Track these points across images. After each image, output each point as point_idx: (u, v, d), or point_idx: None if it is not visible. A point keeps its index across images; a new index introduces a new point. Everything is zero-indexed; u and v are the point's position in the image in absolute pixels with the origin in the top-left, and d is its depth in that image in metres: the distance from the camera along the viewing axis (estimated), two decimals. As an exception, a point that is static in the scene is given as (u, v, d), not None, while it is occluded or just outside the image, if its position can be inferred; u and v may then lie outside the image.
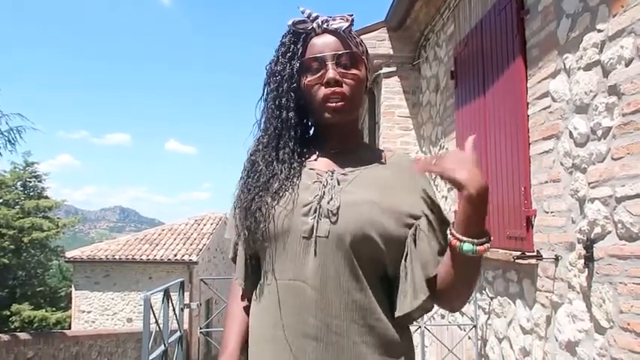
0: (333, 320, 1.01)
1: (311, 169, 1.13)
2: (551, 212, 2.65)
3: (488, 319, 3.54)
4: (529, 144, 2.91)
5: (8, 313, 15.67)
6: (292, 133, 1.12)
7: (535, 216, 2.82)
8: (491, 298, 3.47)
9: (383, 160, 1.15)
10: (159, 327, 2.99)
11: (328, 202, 1.05)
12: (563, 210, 2.53)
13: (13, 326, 14.83)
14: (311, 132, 1.22)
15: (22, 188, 19.00)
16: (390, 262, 1.06)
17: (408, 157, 1.20)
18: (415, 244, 1.04)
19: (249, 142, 1.18)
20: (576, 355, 2.41)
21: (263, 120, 1.15)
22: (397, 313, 1.04)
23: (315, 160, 1.15)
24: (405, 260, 1.04)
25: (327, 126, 1.14)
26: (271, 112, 1.13)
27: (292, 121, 1.12)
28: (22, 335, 8.21)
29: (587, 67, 2.34)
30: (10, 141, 10.28)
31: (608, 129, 2.18)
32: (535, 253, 2.73)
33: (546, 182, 2.71)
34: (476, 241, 0.94)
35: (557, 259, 2.57)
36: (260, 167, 1.12)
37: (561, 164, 2.57)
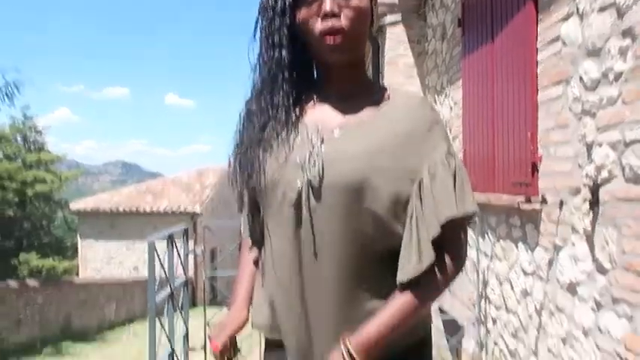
0: (323, 295, 0.98)
1: (303, 123, 1.04)
2: (558, 158, 2.66)
3: (490, 262, 3.63)
4: (537, 90, 2.88)
5: (16, 262, 15.99)
6: (286, 75, 1.02)
7: (541, 162, 2.83)
8: (494, 243, 3.55)
9: (385, 105, 1.04)
10: (164, 271, 3.06)
11: (312, 167, 0.97)
12: (570, 155, 2.55)
13: (21, 275, 15.17)
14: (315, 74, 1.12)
15: (22, 142, 18.94)
16: (398, 224, 0.97)
17: (412, 99, 1.07)
18: (421, 202, 0.95)
19: (248, 87, 1.09)
20: (577, 295, 2.49)
21: (257, 62, 1.06)
22: (400, 278, 0.95)
23: (313, 106, 1.06)
24: (410, 220, 0.95)
25: (327, 66, 1.04)
26: (264, 52, 1.03)
27: (286, 60, 1.01)
28: (31, 282, 8.45)
29: (601, 9, 2.29)
30: (7, 95, 10.19)
31: (620, 73, 2.16)
32: (540, 198, 2.77)
33: (553, 128, 2.71)
34: None
35: (561, 203, 2.61)
36: (254, 116, 1.05)
37: (570, 110, 2.56)
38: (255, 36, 1.06)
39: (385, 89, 1.09)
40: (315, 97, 1.07)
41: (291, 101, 1.03)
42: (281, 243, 1.01)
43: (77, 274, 15.03)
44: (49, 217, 18.87)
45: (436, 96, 5.18)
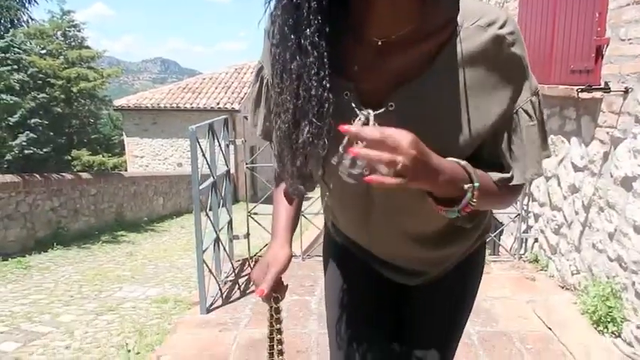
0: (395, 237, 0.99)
1: (345, 86, 0.81)
2: (629, 40, 2.37)
3: (537, 159, 3.46)
4: (612, -40, 2.51)
5: (69, 157, 16.84)
6: (314, 3, 0.73)
7: (607, 45, 2.54)
8: (543, 138, 3.35)
9: (451, 47, 0.78)
10: (206, 160, 3.08)
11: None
12: (643, 36, 2.26)
13: (75, 170, 16.03)
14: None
15: (62, 38, 18.97)
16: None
17: (487, 30, 0.78)
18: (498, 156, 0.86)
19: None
20: (632, 190, 2.34)
21: None
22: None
23: (351, 58, 0.81)
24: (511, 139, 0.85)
25: None
26: None
27: None
28: (84, 175, 8.87)
29: None
30: (42, -14, 10.03)
31: None
32: (602, 86, 2.52)
33: (627, 5, 2.39)
34: (455, 208, 0.78)
35: (626, 91, 2.37)
36: (284, 61, 0.78)
37: (650, -19, 2.22)
38: None
39: (455, 11, 0.79)
40: (351, 41, 0.80)
41: (323, 42, 0.75)
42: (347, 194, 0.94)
43: (126, 169, 15.72)
44: (96, 114, 19.41)
45: (490, -23, 4.68)
